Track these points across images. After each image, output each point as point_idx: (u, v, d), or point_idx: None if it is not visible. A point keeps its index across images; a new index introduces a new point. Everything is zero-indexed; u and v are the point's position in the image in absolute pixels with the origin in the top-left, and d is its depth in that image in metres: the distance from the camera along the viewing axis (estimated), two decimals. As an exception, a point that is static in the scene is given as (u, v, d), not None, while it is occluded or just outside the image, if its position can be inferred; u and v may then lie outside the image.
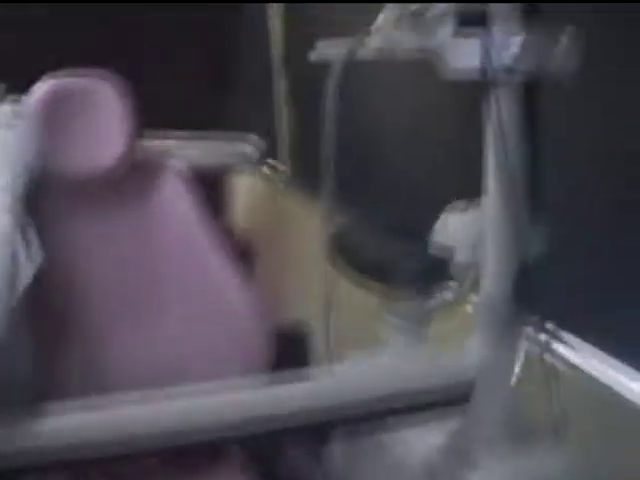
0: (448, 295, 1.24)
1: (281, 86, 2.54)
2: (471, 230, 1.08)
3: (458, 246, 1.10)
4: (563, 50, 0.87)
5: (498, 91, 0.89)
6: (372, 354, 1.43)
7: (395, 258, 1.26)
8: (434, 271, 1.23)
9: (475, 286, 1.12)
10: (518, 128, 0.93)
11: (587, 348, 1.20)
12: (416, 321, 1.35)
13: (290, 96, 2.55)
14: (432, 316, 1.34)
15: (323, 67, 2.31)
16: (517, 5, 0.86)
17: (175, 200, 1.53)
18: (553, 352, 1.09)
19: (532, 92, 0.91)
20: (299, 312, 2.00)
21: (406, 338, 1.36)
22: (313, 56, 1.09)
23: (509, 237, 0.98)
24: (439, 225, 1.14)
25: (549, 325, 1.10)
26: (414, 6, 0.92)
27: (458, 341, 1.12)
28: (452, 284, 1.21)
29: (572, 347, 1.21)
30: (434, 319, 1.35)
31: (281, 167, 2.90)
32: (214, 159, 2.63)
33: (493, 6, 0.86)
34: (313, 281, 1.20)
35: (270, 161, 3.13)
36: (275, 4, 2.54)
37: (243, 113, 3.51)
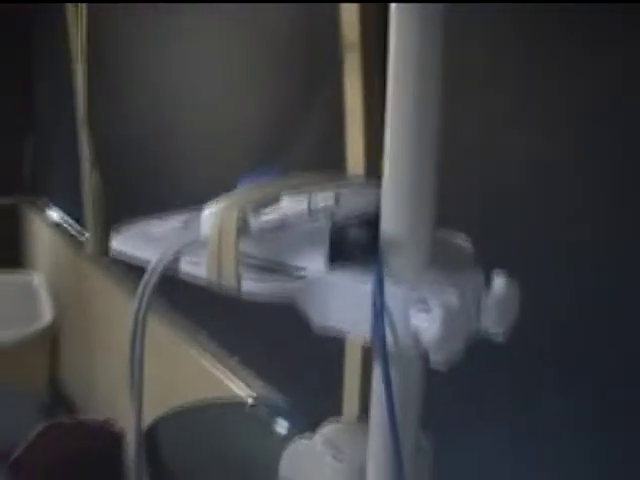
0: None
1: (85, 148, 2.11)
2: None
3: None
4: (496, 304, 0.56)
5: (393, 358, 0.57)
6: None
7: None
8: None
9: None
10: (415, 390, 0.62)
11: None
12: None
13: (95, 159, 2.12)
14: None
15: (127, 126, 1.92)
16: (422, 234, 0.53)
17: None
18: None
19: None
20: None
21: None
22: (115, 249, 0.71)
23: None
24: (287, 459, 0.80)
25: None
26: (267, 218, 0.57)
27: None
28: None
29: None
30: None
31: (86, 232, 2.49)
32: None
33: (389, 237, 0.54)
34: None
35: (75, 226, 2.71)
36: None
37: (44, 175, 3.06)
